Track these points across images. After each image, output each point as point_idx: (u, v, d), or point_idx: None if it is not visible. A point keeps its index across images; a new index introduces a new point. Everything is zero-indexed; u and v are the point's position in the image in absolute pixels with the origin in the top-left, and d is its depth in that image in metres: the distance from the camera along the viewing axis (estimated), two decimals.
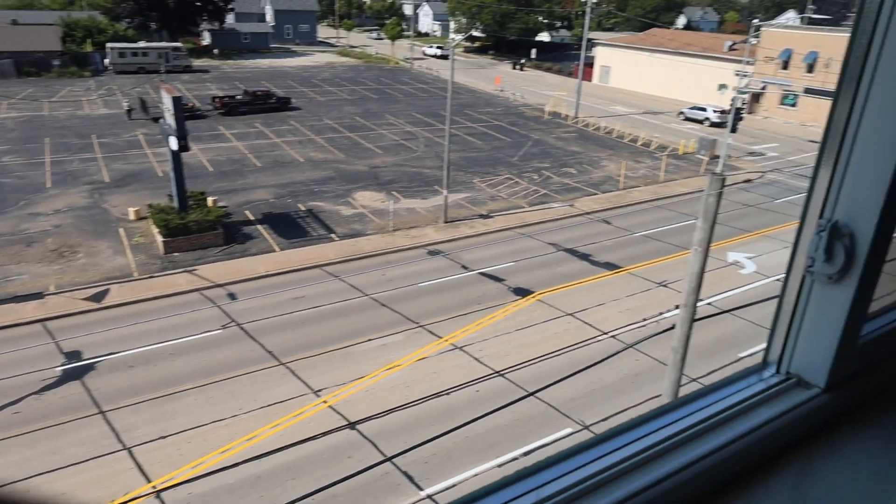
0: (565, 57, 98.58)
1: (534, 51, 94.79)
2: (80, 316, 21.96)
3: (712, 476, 1.40)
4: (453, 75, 31.14)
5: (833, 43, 57.25)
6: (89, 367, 19.17)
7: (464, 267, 26.77)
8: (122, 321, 21.79)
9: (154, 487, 14.82)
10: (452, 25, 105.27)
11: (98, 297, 22.96)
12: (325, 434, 16.35)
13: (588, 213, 33.48)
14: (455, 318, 22.59)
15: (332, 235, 29.24)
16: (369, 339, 21.12)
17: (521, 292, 24.62)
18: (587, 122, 55.07)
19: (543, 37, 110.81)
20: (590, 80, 77.21)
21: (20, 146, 40.43)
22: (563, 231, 30.97)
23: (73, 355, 19.72)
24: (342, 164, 40.09)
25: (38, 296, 22.80)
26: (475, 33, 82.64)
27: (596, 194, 36.55)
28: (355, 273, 25.90)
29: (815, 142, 52.64)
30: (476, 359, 20.15)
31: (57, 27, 71.49)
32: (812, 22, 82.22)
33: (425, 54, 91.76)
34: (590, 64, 77.73)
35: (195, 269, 25.34)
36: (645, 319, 20.27)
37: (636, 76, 74.86)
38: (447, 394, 18.25)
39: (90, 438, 16.28)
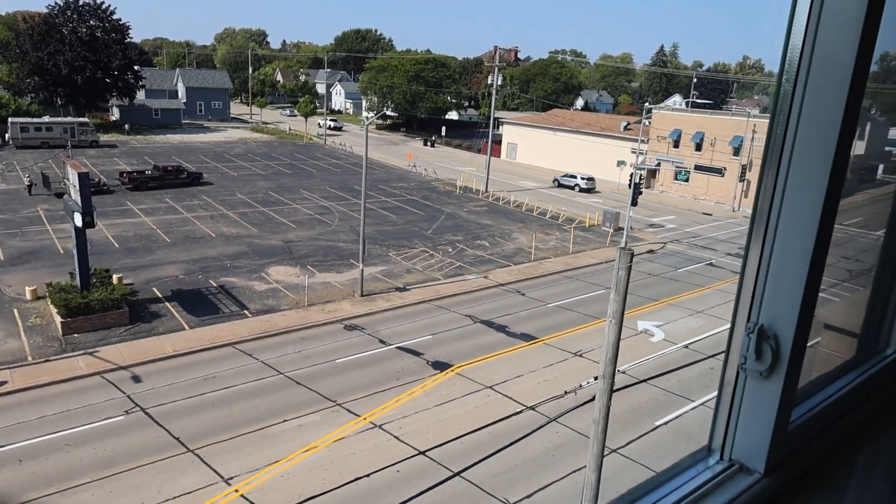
0: (474, 134, 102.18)
1: (444, 128, 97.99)
2: None
3: None
4: (367, 151, 31.69)
5: (715, 125, 62.48)
6: None
7: (381, 341, 26.53)
8: (11, 411, 20.06)
9: None
10: (365, 104, 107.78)
11: None
12: None
13: (502, 285, 34.17)
14: (373, 394, 22.20)
15: (245, 312, 28.42)
16: (284, 420, 20.37)
17: (440, 366, 24.57)
18: (497, 196, 56.88)
19: (453, 115, 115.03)
20: (498, 157, 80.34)
21: None
22: (479, 303, 31.39)
23: None
24: (256, 238, 39.44)
25: None
26: (387, 112, 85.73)
27: (509, 266, 37.45)
28: (270, 351, 25.14)
29: (708, 214, 56.43)
30: (396, 437, 19.76)
31: None
32: (696, 105, 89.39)
33: (319, 126, 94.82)
34: (498, 141, 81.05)
35: (97, 351, 23.88)
36: (566, 392, 20.61)
37: (541, 153, 78.59)
38: (367, 476, 17.71)
39: None
